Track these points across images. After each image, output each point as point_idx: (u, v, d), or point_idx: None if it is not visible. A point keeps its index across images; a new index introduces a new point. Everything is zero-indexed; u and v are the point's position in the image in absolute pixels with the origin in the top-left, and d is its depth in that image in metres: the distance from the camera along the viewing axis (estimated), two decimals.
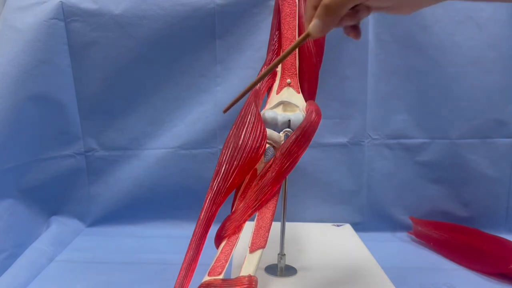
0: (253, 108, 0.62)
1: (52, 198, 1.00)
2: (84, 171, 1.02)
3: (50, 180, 0.98)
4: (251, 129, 0.60)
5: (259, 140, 0.59)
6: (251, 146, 0.59)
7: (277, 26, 0.73)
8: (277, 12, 0.73)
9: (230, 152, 0.59)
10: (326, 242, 0.88)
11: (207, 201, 0.59)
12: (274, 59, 0.71)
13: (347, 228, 0.96)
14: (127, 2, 0.91)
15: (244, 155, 0.59)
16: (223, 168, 0.59)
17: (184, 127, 1.00)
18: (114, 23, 0.92)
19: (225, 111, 0.56)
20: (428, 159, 1.01)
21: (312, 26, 0.43)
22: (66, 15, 0.91)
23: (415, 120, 0.99)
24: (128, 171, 1.02)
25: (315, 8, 0.44)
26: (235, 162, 0.58)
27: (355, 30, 0.47)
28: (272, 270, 0.73)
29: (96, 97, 0.97)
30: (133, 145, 1.01)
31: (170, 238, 0.99)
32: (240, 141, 0.59)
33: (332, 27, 0.44)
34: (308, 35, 0.45)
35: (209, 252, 0.63)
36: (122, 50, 0.94)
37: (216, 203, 0.59)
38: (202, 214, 0.58)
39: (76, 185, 1.02)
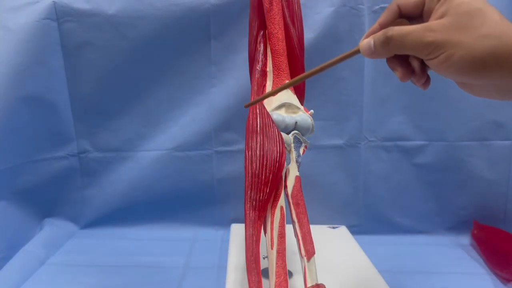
0: (267, 114, 0.61)
1: (45, 200, 0.99)
2: (77, 173, 1.01)
3: (43, 182, 0.97)
4: (272, 137, 0.60)
5: (281, 147, 0.60)
6: (276, 154, 0.59)
7: (260, 25, 0.72)
8: (257, 10, 0.72)
9: (259, 163, 0.58)
10: (322, 244, 0.87)
11: (252, 219, 0.58)
12: (264, 60, 0.70)
13: (343, 230, 0.96)
14: (120, 2, 0.90)
15: (272, 163, 0.59)
16: (257, 179, 0.58)
17: (179, 128, 0.99)
18: (107, 24, 0.91)
19: (246, 106, 0.54)
20: (425, 161, 1.00)
21: (365, 45, 0.41)
22: (59, 15, 0.90)
23: (412, 122, 0.99)
24: (122, 172, 1.01)
25: (381, 27, 0.41)
26: (265, 173, 0.58)
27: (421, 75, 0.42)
28: (267, 273, 0.72)
29: (89, 98, 0.96)
30: (127, 147, 1.00)
31: (164, 240, 0.98)
32: (266, 151, 0.59)
33: (384, 57, 0.41)
34: (357, 52, 0.42)
35: None
36: (115, 50, 0.93)
37: (260, 217, 0.58)
38: (249, 237, 0.57)
39: (70, 187, 1.01)
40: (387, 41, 0.38)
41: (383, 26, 0.41)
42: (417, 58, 0.40)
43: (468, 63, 0.35)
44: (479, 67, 0.35)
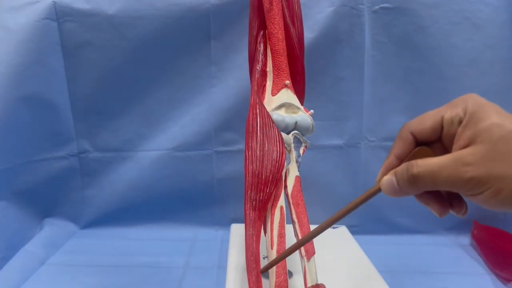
0: (267, 114, 0.61)
1: (45, 200, 0.99)
2: (77, 173, 1.01)
3: (43, 182, 0.97)
4: (272, 137, 0.60)
5: (281, 147, 0.60)
6: (276, 154, 0.59)
7: (260, 25, 0.72)
8: (257, 10, 0.72)
9: (259, 163, 0.58)
10: (322, 244, 0.87)
11: (252, 219, 0.58)
12: (264, 60, 0.70)
13: (343, 230, 0.96)
14: (120, 2, 0.90)
15: (272, 163, 0.58)
16: (257, 179, 0.58)
17: (179, 128, 0.99)
18: (107, 24, 0.91)
19: (263, 272, 0.53)
20: None
21: (387, 183, 0.36)
22: (59, 15, 0.90)
23: None
24: (122, 172, 1.01)
25: (398, 159, 0.37)
26: (265, 173, 0.58)
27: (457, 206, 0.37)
28: (267, 273, 0.72)
29: (89, 98, 0.96)
30: (127, 147, 1.00)
31: (164, 240, 0.98)
32: (266, 151, 0.59)
33: (412, 195, 0.36)
34: (378, 191, 0.37)
35: None
36: (115, 50, 0.93)
37: (260, 217, 0.58)
38: (249, 237, 0.57)
39: (70, 187, 1.01)
40: (414, 180, 0.34)
41: (401, 158, 0.37)
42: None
43: None
44: None
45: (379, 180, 0.37)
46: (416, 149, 0.37)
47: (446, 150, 0.36)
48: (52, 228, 0.98)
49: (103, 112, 0.98)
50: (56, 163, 0.98)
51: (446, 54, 0.93)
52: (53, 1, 0.89)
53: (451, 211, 0.37)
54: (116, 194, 1.02)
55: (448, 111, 0.35)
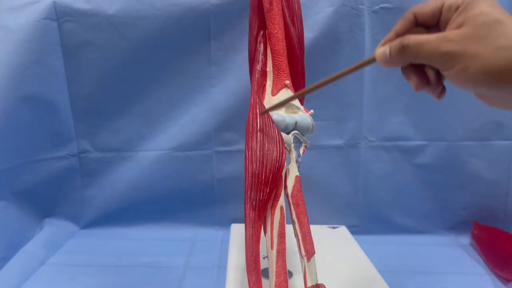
0: (267, 114, 0.61)
1: (45, 200, 0.99)
2: (77, 173, 1.01)
3: (43, 182, 0.97)
4: (272, 137, 0.60)
5: (281, 147, 0.60)
6: (276, 154, 0.59)
7: (260, 25, 0.72)
8: (257, 10, 0.72)
9: (259, 163, 0.58)
10: (322, 244, 0.87)
11: (252, 219, 0.58)
12: (264, 60, 0.70)
13: (343, 230, 0.96)
14: (120, 2, 0.90)
15: (272, 163, 0.58)
16: (257, 179, 0.58)
17: (179, 128, 0.99)
18: (107, 24, 0.91)
19: (262, 114, 0.56)
20: (425, 161, 1.00)
21: (381, 53, 0.40)
22: (59, 15, 0.90)
23: (412, 122, 0.98)
24: (122, 172, 1.01)
25: (397, 35, 0.41)
26: (265, 173, 0.58)
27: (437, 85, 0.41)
28: (267, 273, 0.72)
29: (89, 98, 0.96)
30: (127, 147, 1.00)
31: (164, 240, 0.98)
32: (266, 151, 0.59)
33: (400, 66, 0.40)
34: (373, 60, 0.41)
35: None
36: (115, 50, 0.93)
37: (260, 217, 0.58)
38: (249, 237, 0.57)
39: (70, 187, 1.01)
40: (402, 50, 0.38)
41: (399, 34, 0.40)
42: (433, 68, 0.39)
43: (485, 75, 0.34)
44: (496, 79, 0.34)
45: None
46: (414, 29, 0.41)
47: None
48: (52, 228, 0.98)
49: (103, 112, 0.98)
50: (56, 163, 0.98)
51: None
52: (53, 1, 0.89)
53: (426, 89, 0.41)
54: (116, 194, 1.02)
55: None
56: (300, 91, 0.49)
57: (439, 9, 0.39)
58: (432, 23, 0.40)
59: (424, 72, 0.41)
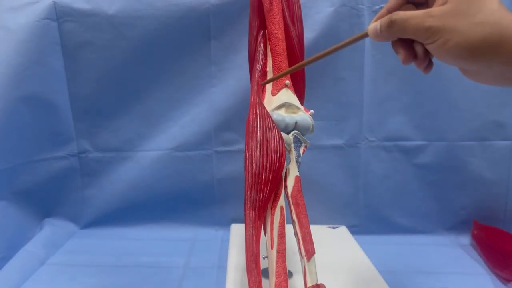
0: (267, 114, 0.61)
1: (45, 200, 0.99)
2: (77, 173, 1.01)
3: (43, 182, 0.97)
4: (272, 137, 0.59)
5: (281, 147, 0.60)
6: (276, 154, 0.59)
7: (260, 25, 0.72)
8: (257, 10, 0.72)
9: (259, 163, 0.58)
10: (322, 244, 0.87)
11: (252, 219, 0.58)
12: (264, 60, 0.70)
13: (343, 230, 0.96)
14: (120, 2, 0.90)
15: (272, 163, 0.58)
16: (257, 179, 0.58)
17: (179, 128, 0.99)
18: (107, 24, 0.91)
19: (263, 84, 0.58)
20: (426, 161, 1.00)
21: (372, 28, 0.43)
22: (58, 15, 0.90)
23: (412, 122, 0.98)
24: (122, 172, 1.01)
25: (388, 11, 0.44)
26: (265, 173, 0.58)
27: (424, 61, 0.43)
28: (267, 273, 0.72)
29: (89, 98, 0.96)
30: (127, 147, 1.00)
31: (164, 240, 0.98)
32: (266, 151, 0.59)
33: (389, 40, 0.43)
34: (365, 35, 0.44)
35: None
36: (115, 50, 0.93)
37: (260, 217, 0.58)
38: (249, 237, 0.56)
39: (70, 187, 1.01)
40: (391, 24, 0.40)
41: (391, 11, 0.43)
42: (420, 43, 0.41)
43: (463, 49, 0.36)
44: (475, 53, 0.36)
45: None
46: (405, 6, 0.44)
47: None
48: (52, 228, 0.98)
49: (103, 112, 0.98)
50: (56, 163, 0.98)
51: None
52: (53, 1, 0.89)
53: (414, 63, 0.43)
54: (116, 194, 1.02)
55: None
56: (296, 65, 0.53)
57: None
58: (421, 0, 0.42)
59: (412, 47, 0.43)
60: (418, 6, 0.43)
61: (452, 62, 0.38)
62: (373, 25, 0.43)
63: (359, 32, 0.88)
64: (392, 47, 0.44)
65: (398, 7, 0.43)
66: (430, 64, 0.44)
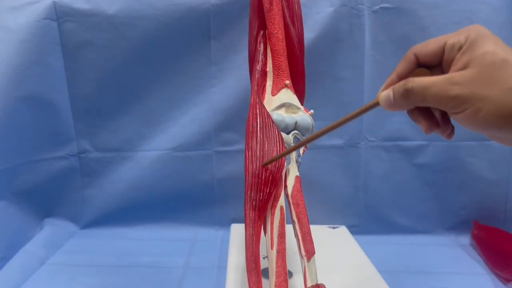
0: (267, 114, 0.61)
1: (45, 200, 0.99)
2: (77, 173, 1.01)
3: (43, 182, 0.97)
4: (272, 137, 0.60)
5: (281, 147, 0.60)
6: (276, 154, 0.59)
7: (260, 25, 0.72)
8: (257, 10, 0.72)
9: (259, 163, 0.58)
10: (322, 244, 0.87)
11: (252, 219, 0.58)
12: (264, 60, 0.70)
13: (343, 230, 0.96)
14: (120, 2, 0.90)
15: (272, 163, 0.58)
16: (257, 179, 0.58)
17: (179, 128, 0.99)
18: (107, 24, 0.91)
19: (264, 165, 0.56)
20: (425, 161, 1.00)
21: (384, 96, 0.39)
22: (58, 15, 0.90)
23: (412, 122, 0.98)
24: (122, 172, 1.01)
25: (399, 77, 0.40)
26: (265, 173, 0.58)
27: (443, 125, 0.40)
28: (267, 273, 0.72)
29: (89, 98, 0.96)
30: (127, 147, 1.00)
31: (164, 240, 0.98)
32: (266, 151, 0.59)
33: (405, 109, 0.39)
34: (376, 104, 0.41)
35: None
36: (115, 50, 0.93)
37: (260, 217, 0.58)
38: (249, 237, 0.56)
39: (70, 187, 1.01)
40: (407, 94, 0.37)
41: (402, 77, 0.40)
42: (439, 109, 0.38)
43: (497, 118, 0.33)
44: (509, 122, 0.33)
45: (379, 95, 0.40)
46: (416, 70, 0.39)
47: (443, 74, 0.37)
48: (52, 228, 0.98)
49: (103, 112, 0.98)
50: (56, 163, 0.98)
51: None
52: (53, 1, 0.89)
53: (436, 131, 0.40)
54: (116, 194, 1.02)
55: (452, 38, 0.37)
56: (299, 143, 0.50)
57: (441, 48, 0.37)
58: (434, 63, 0.39)
59: (433, 114, 0.39)
60: (431, 69, 0.39)
61: (483, 131, 0.35)
62: (385, 94, 0.39)
63: (359, 32, 0.87)
64: (409, 116, 0.40)
65: (409, 72, 0.40)
66: (453, 129, 0.40)
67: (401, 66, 0.40)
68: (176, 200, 1.03)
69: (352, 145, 1.00)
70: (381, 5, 0.92)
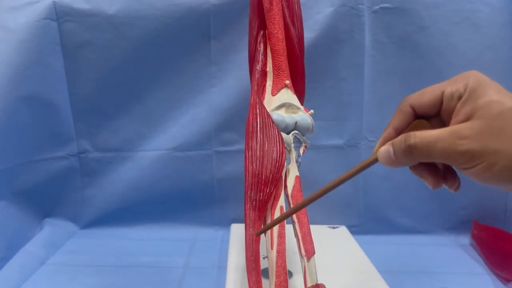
0: (267, 114, 0.61)
1: (45, 200, 0.99)
2: (77, 173, 1.01)
3: (43, 182, 0.97)
4: (272, 137, 0.59)
5: (281, 147, 0.60)
6: (276, 154, 0.59)
7: (260, 25, 0.72)
8: (257, 10, 0.72)
9: (259, 163, 0.58)
10: (322, 244, 0.87)
11: (252, 219, 0.57)
12: (264, 60, 0.70)
13: (343, 230, 0.96)
14: (120, 2, 0.90)
15: (272, 163, 0.58)
16: (257, 179, 0.58)
17: (179, 128, 0.99)
18: (107, 23, 0.91)
19: (258, 235, 0.54)
20: None
21: (384, 153, 0.37)
22: (58, 15, 0.90)
23: None
24: (122, 172, 1.01)
25: (396, 131, 0.37)
26: (265, 173, 0.58)
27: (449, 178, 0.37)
28: (267, 273, 0.72)
29: (89, 98, 0.96)
30: (127, 147, 1.00)
31: (164, 240, 0.98)
32: (266, 151, 0.59)
33: (407, 165, 0.37)
34: (375, 161, 0.38)
35: None
36: (115, 50, 0.93)
37: (260, 217, 0.58)
38: (249, 237, 0.56)
39: (70, 187, 1.01)
40: (410, 150, 0.34)
41: (399, 130, 0.38)
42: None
43: None
44: None
45: (377, 151, 0.38)
46: (415, 122, 0.37)
47: (443, 125, 0.36)
48: (52, 228, 0.98)
49: (103, 112, 0.98)
50: (56, 163, 0.98)
51: (446, 54, 0.93)
52: (53, 1, 0.89)
53: (444, 185, 0.37)
54: (116, 194, 1.02)
55: (449, 87, 0.35)
56: (297, 205, 0.47)
57: (439, 98, 0.36)
58: (432, 114, 0.37)
59: (438, 168, 0.37)
60: (429, 119, 0.37)
61: (496, 185, 0.33)
62: (385, 150, 0.36)
63: (358, 32, 0.87)
64: (412, 172, 0.38)
65: (407, 124, 0.37)
66: (459, 182, 0.37)
67: (397, 118, 0.38)
68: (176, 200, 1.03)
69: (352, 145, 1.00)
70: (381, 5, 0.92)
